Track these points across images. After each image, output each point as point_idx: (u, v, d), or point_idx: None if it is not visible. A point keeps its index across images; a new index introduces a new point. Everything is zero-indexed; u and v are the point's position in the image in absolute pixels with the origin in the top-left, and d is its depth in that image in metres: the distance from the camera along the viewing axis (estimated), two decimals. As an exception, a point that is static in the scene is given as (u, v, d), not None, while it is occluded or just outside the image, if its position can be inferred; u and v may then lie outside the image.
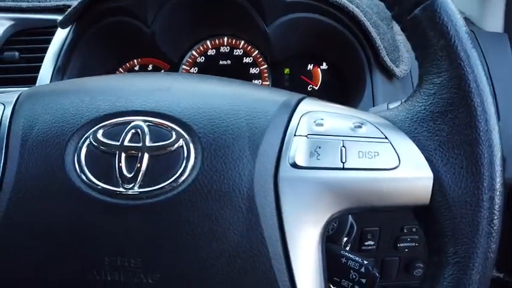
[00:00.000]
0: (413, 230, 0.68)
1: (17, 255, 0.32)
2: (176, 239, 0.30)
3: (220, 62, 0.76)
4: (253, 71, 0.75)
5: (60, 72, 0.65)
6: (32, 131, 0.33)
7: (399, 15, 0.35)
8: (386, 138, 0.32)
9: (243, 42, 0.74)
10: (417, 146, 0.32)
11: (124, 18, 0.64)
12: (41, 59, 0.66)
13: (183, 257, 0.30)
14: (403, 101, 0.36)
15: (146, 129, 0.32)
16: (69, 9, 0.62)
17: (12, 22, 0.68)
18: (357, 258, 0.39)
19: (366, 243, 0.68)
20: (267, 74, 0.74)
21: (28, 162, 0.32)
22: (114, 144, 0.32)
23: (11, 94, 0.38)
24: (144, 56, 0.76)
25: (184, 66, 0.75)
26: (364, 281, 0.38)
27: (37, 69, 0.65)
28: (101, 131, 0.32)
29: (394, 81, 0.62)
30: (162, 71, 0.76)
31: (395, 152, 0.32)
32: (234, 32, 0.74)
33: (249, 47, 0.74)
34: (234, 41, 0.75)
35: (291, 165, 0.31)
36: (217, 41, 0.75)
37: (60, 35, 0.68)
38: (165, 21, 0.65)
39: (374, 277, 0.38)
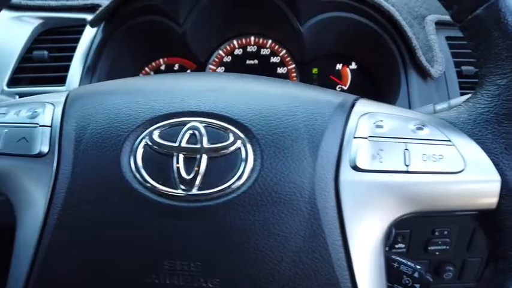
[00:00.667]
0: (445, 233, 0.67)
1: (73, 259, 0.31)
2: (236, 242, 0.30)
3: (247, 62, 0.75)
4: (280, 70, 0.74)
5: (90, 71, 0.65)
6: (85, 132, 0.33)
7: (458, 14, 0.34)
8: (449, 140, 0.31)
9: (270, 41, 0.74)
10: (482, 148, 0.31)
11: (156, 17, 0.63)
12: (70, 58, 0.66)
13: (244, 261, 0.30)
14: (462, 102, 0.35)
15: (203, 131, 0.31)
16: (101, 8, 0.62)
17: (41, 21, 0.68)
18: (408, 263, 0.38)
19: (397, 246, 0.67)
20: (295, 74, 0.73)
21: (83, 163, 0.32)
22: (171, 146, 0.31)
23: (59, 94, 0.37)
24: (170, 56, 0.75)
25: (211, 66, 0.75)
26: (418, 286, 0.37)
27: (66, 69, 0.65)
28: (156, 132, 0.32)
29: (428, 82, 0.61)
30: (188, 70, 0.76)
31: (460, 154, 0.31)
32: (261, 31, 0.74)
33: (277, 47, 0.74)
34: (261, 40, 0.74)
35: (352, 168, 0.31)
36: (244, 41, 0.75)
37: (89, 34, 0.68)
38: (196, 21, 0.64)
39: (428, 282, 0.37)
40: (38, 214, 0.32)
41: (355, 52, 0.67)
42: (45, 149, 0.33)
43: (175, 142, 0.31)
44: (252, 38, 0.74)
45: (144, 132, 0.32)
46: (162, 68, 0.76)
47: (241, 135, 0.31)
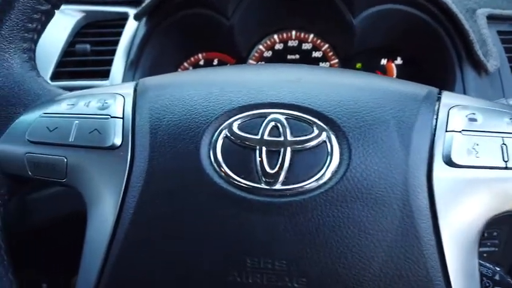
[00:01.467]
0: (494, 234, 0.65)
1: (148, 256, 0.30)
2: (324, 240, 0.28)
3: (288, 57, 0.73)
4: (323, 65, 0.73)
5: (133, 66, 0.64)
6: (160, 124, 0.31)
7: None
8: None
9: (312, 35, 0.72)
10: None
11: (203, 10, 0.62)
12: (113, 52, 0.65)
13: (332, 260, 0.28)
14: None
15: (285, 123, 0.30)
16: (147, 1, 0.61)
17: (83, 14, 0.67)
18: (488, 264, 0.36)
19: None
20: None
21: (159, 156, 0.31)
22: (253, 138, 0.30)
23: (126, 85, 0.36)
24: (209, 50, 0.74)
25: (251, 61, 0.73)
26: (499, 289, 0.35)
27: (109, 63, 0.64)
28: (236, 124, 0.30)
29: (483, 78, 0.59)
30: (228, 65, 0.74)
31: None
32: (304, 25, 0.72)
33: (319, 41, 0.72)
34: (302, 34, 0.73)
35: (445, 163, 0.29)
36: (284, 35, 0.73)
37: (131, 28, 0.67)
38: (244, 14, 0.63)
39: (509, 285, 0.35)
40: (110, 208, 0.31)
41: (406, 46, 0.65)
42: (118, 141, 0.32)
43: (256, 135, 0.30)
44: (293, 33, 0.73)
45: (223, 124, 0.31)
46: (201, 63, 0.75)
47: (326, 127, 0.30)
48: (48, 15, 0.37)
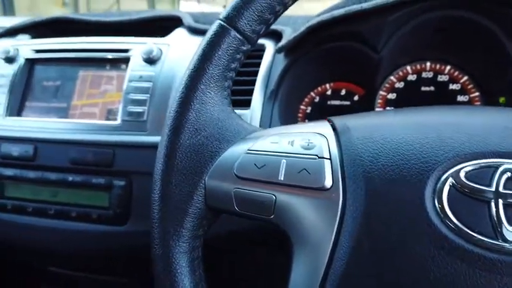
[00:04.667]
0: None
1: None
2: None
3: (422, 88, 0.71)
4: (461, 98, 0.69)
5: (273, 96, 0.66)
6: (375, 168, 0.31)
7: None
8: None
9: (449, 67, 0.69)
10: None
11: (351, 43, 0.62)
12: (253, 82, 0.67)
13: None
14: None
15: None
16: (294, 35, 0.62)
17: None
18: None
19: None
20: (479, 103, 0.68)
21: (376, 201, 0.30)
22: (486, 190, 0.28)
23: (319, 124, 0.37)
24: (338, 79, 0.74)
25: (381, 92, 0.72)
26: None
27: (249, 92, 0.66)
28: (463, 173, 0.29)
29: None
30: (356, 96, 0.74)
31: None
32: (441, 57, 0.70)
33: (456, 73, 0.69)
34: (438, 66, 0.70)
35: None
36: (418, 66, 0.71)
37: (268, 58, 0.69)
38: (393, 47, 0.62)
39: None
40: (320, 253, 0.31)
41: None
42: (328, 182, 0.32)
43: (489, 186, 0.28)
44: (428, 64, 0.70)
45: (447, 171, 0.29)
46: (328, 92, 0.75)
47: None
48: (246, 54, 0.39)
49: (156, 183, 0.36)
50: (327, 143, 0.34)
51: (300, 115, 0.74)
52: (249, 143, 0.36)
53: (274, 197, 0.33)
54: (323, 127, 0.36)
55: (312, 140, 0.34)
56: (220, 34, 0.38)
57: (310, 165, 0.33)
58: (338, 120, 0.36)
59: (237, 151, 0.36)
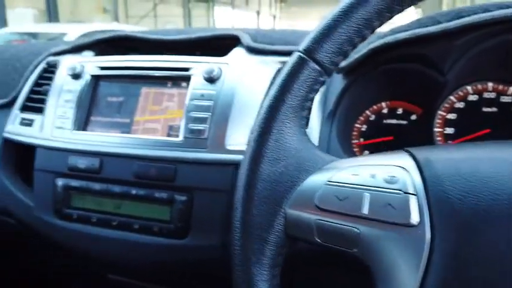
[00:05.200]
0: None
1: None
2: None
3: (484, 109, 0.70)
4: (525, 120, 0.67)
5: (331, 116, 0.66)
6: (464, 205, 0.31)
7: None
8: None
9: (512, 88, 0.68)
10: None
11: (416, 65, 0.62)
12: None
13: None
14: None
15: None
16: (356, 57, 0.62)
17: (280, 65, 0.72)
18: None
19: None
20: None
21: (468, 239, 0.30)
22: None
23: (398, 156, 0.37)
24: (394, 98, 0.73)
25: (440, 112, 0.71)
26: None
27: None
28: None
29: None
30: (413, 115, 0.73)
31: None
32: (502, 77, 0.68)
33: (521, 94, 0.67)
34: (500, 86, 0.68)
35: None
36: (480, 86, 0.70)
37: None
38: (460, 70, 0.62)
39: None
40: None
41: None
42: (415, 219, 0.32)
43: None
44: (490, 84, 0.69)
45: None
46: (384, 111, 0.74)
47: None
48: (323, 85, 0.40)
49: (237, 211, 0.38)
50: (410, 177, 0.34)
51: (354, 133, 0.74)
52: (328, 173, 0.37)
53: (357, 230, 0.34)
54: (403, 159, 0.36)
55: (394, 173, 0.35)
56: (300, 66, 0.39)
57: (395, 200, 0.33)
58: (418, 153, 0.36)
59: (316, 181, 0.37)
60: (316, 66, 0.39)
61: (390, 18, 0.38)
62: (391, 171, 0.35)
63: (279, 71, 0.71)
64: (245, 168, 0.38)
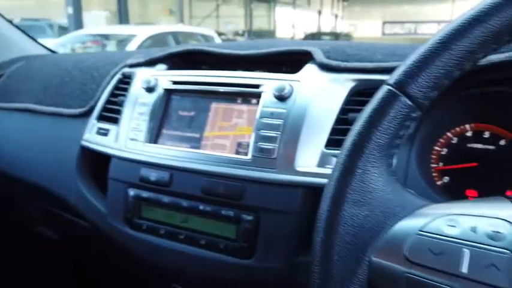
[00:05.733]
0: None
1: None
2: None
3: None
4: None
5: (411, 138, 0.62)
6: None
7: None
8: None
9: None
10: None
11: (506, 88, 0.57)
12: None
13: None
14: None
15: None
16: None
17: (354, 83, 0.69)
18: None
19: None
20: None
21: None
22: None
23: (503, 205, 0.33)
24: (479, 121, 0.67)
25: (532, 137, 0.64)
26: None
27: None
28: None
29: None
30: (502, 140, 0.66)
31: None
32: None
33: None
34: None
35: None
36: None
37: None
38: None
39: None
40: None
41: None
42: None
43: None
44: None
45: None
46: (468, 134, 0.68)
47: None
48: (416, 122, 0.37)
49: (317, 256, 0.36)
50: None
51: (433, 157, 0.69)
52: (420, 220, 0.34)
53: None
54: (509, 210, 0.32)
55: (499, 227, 0.31)
56: (389, 101, 0.36)
57: (501, 261, 0.29)
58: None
59: (406, 229, 0.34)
60: (409, 102, 0.36)
61: (495, 50, 0.34)
62: (495, 225, 0.31)
63: (356, 93, 0.68)
64: (325, 210, 0.36)
